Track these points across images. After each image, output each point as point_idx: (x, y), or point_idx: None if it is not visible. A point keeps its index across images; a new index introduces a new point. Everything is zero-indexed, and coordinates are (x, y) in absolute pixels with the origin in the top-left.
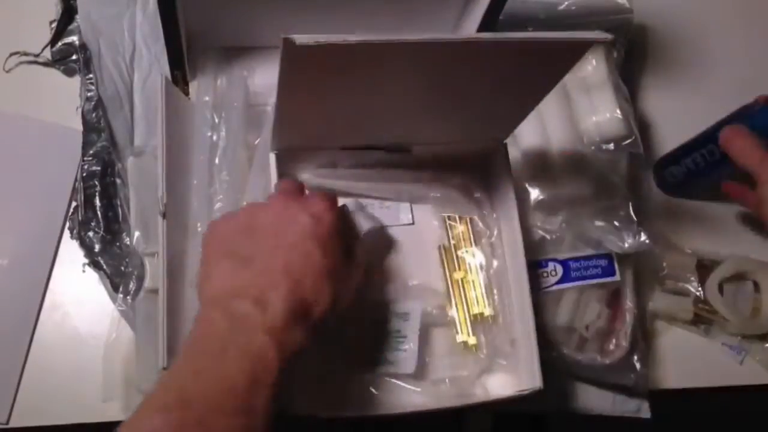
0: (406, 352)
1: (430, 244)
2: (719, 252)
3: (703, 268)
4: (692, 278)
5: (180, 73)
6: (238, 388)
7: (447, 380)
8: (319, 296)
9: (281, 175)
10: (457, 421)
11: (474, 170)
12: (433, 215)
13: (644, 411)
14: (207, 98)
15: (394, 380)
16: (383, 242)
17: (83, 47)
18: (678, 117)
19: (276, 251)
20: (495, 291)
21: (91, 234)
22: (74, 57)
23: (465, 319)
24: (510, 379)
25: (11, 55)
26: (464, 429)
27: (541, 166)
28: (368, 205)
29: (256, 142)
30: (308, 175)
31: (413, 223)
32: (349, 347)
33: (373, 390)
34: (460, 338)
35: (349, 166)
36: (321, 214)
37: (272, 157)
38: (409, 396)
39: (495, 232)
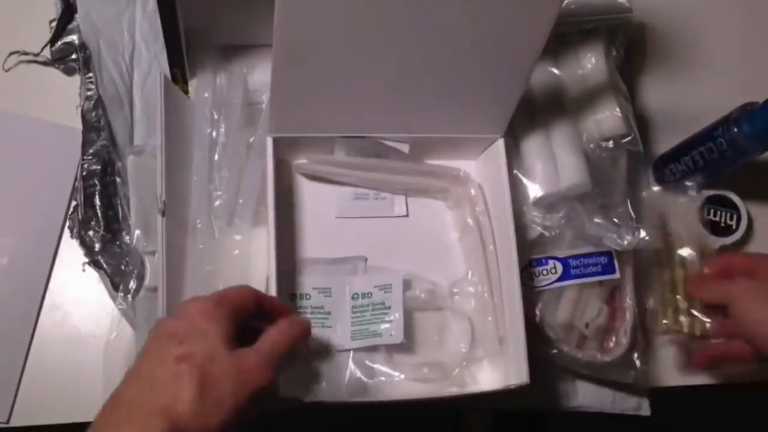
0: (392, 323)
1: (424, 236)
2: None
3: None
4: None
5: (179, 72)
6: None
7: (428, 367)
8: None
9: (278, 160)
10: (455, 421)
11: (471, 165)
12: (428, 208)
13: (644, 408)
14: (206, 95)
15: (375, 365)
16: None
17: (83, 46)
18: (677, 115)
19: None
20: (486, 288)
21: (91, 233)
22: (74, 56)
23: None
24: (498, 374)
25: (11, 54)
26: (463, 428)
27: (540, 163)
28: (363, 196)
29: (251, 139)
30: (304, 161)
31: (407, 216)
32: (335, 327)
33: (354, 375)
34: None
35: (346, 155)
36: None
37: (269, 142)
38: (391, 384)
39: (489, 228)
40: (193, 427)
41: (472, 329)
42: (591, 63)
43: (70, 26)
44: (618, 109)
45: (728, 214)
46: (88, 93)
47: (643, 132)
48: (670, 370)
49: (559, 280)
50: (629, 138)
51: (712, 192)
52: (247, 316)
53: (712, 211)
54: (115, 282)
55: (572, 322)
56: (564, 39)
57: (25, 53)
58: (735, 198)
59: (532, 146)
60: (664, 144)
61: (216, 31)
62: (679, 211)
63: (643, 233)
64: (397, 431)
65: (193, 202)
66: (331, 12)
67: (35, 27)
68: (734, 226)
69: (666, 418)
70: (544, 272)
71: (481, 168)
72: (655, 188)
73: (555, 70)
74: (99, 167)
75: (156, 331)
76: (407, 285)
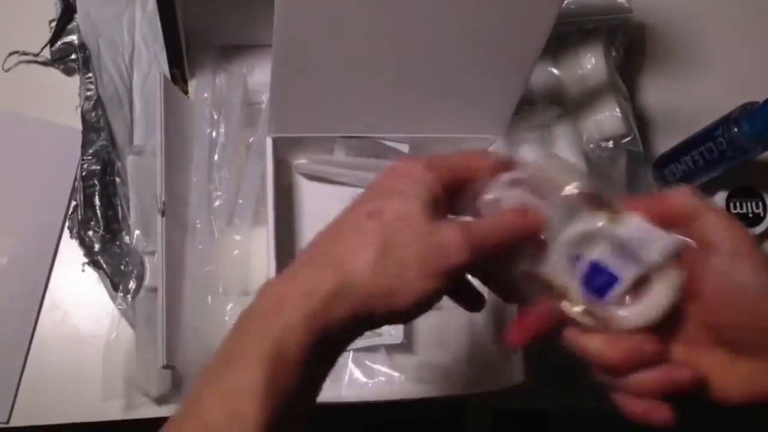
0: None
1: None
2: None
3: None
4: None
5: (179, 72)
6: None
7: (428, 367)
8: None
9: (278, 160)
10: (455, 421)
11: None
12: None
13: None
14: (206, 95)
15: (375, 365)
16: None
17: (82, 46)
18: (676, 115)
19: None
20: (485, 288)
21: (90, 233)
22: (73, 56)
23: None
24: (498, 374)
25: (10, 54)
26: (464, 427)
27: None
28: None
29: (251, 139)
30: (304, 161)
31: None
32: None
33: (354, 375)
34: None
35: (346, 155)
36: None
37: (269, 142)
38: (391, 384)
39: None
40: (366, 289)
41: (472, 329)
42: (591, 63)
43: (69, 26)
44: (618, 109)
45: (754, 203)
46: (88, 93)
47: (643, 132)
48: None
49: None
50: (629, 138)
51: (711, 190)
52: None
53: (738, 204)
54: (115, 282)
55: None
56: (564, 39)
57: (25, 53)
58: (757, 187)
59: (533, 146)
60: (664, 144)
61: (216, 31)
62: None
63: None
64: (397, 431)
65: (193, 202)
66: (331, 12)
67: (35, 27)
68: (762, 214)
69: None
70: None
71: None
72: (655, 188)
73: (555, 70)
74: (99, 167)
75: (370, 183)
76: None
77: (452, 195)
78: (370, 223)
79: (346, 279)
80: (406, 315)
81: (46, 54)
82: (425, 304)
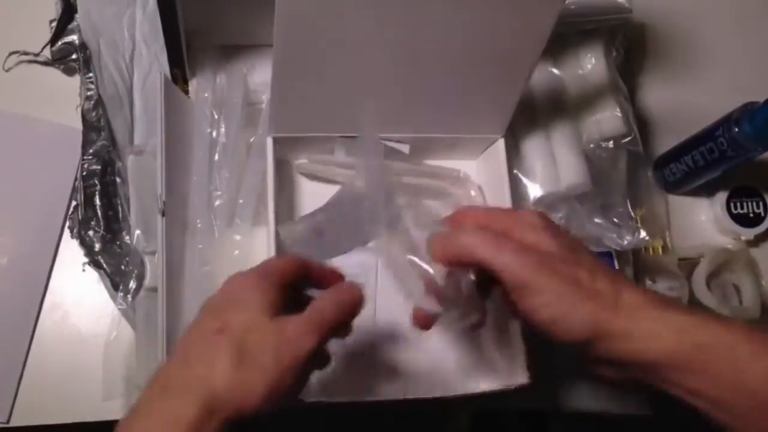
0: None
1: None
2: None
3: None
4: (679, 279)
5: (179, 72)
6: None
7: (428, 367)
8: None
9: (278, 160)
10: (454, 421)
11: (471, 165)
12: (428, 209)
13: (645, 409)
14: (206, 95)
15: (377, 365)
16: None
17: (83, 46)
18: (677, 115)
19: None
20: None
21: (91, 233)
22: (74, 56)
23: None
24: (498, 374)
25: (11, 54)
26: (463, 427)
27: (540, 163)
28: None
29: (251, 139)
30: (304, 161)
31: None
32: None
33: (354, 375)
34: None
35: (346, 155)
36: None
37: (269, 142)
38: (391, 384)
39: None
40: (233, 399)
41: (472, 329)
42: (591, 63)
43: (70, 26)
44: (618, 109)
45: (754, 203)
46: (88, 93)
47: (643, 132)
48: None
49: None
50: (629, 138)
51: (712, 190)
52: (296, 285)
53: (738, 204)
54: (115, 282)
55: None
56: (564, 39)
57: (25, 53)
58: (757, 187)
59: (532, 146)
60: (664, 144)
61: (216, 31)
62: (679, 210)
63: (643, 233)
64: (396, 431)
65: (193, 202)
66: (332, 12)
67: (35, 27)
68: (762, 214)
69: (666, 418)
70: None
71: (482, 168)
72: (655, 188)
73: (555, 70)
74: (99, 167)
75: (201, 308)
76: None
77: (293, 290)
78: (220, 339)
79: (211, 397)
80: (282, 402)
81: (47, 54)
82: (296, 391)
